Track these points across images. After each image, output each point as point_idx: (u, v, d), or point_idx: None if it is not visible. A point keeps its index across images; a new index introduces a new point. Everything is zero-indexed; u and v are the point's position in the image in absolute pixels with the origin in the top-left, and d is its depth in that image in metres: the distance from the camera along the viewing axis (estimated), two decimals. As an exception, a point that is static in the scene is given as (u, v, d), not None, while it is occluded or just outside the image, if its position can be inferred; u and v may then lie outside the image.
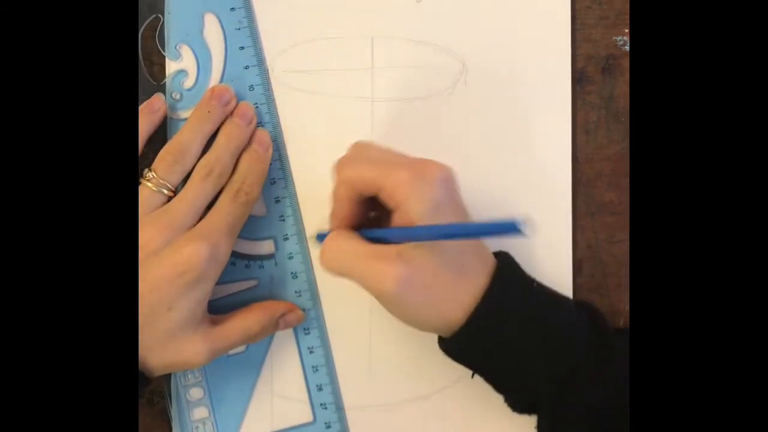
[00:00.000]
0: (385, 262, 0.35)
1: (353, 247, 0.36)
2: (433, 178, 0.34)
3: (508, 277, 0.37)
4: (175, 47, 0.42)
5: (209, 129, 0.40)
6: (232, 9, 0.42)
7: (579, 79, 0.43)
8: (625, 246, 0.42)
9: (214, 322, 0.39)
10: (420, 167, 0.35)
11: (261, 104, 0.42)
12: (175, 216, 0.37)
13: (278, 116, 0.42)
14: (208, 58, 0.42)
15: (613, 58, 0.43)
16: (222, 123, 0.40)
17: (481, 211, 0.42)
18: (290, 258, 0.42)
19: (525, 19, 0.42)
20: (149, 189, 0.38)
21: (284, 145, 0.42)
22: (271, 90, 0.42)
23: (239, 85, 0.42)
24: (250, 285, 0.42)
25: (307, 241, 0.42)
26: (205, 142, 0.40)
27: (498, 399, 0.39)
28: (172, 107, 0.42)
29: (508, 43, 0.42)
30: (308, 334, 0.43)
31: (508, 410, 0.39)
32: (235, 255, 0.42)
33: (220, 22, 0.42)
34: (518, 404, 0.38)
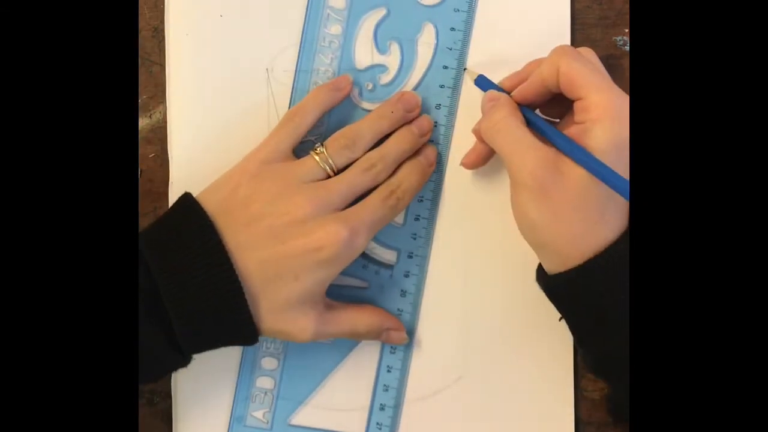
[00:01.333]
0: (540, 161, 0.35)
1: (518, 130, 0.36)
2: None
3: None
4: (387, 42, 0.43)
5: (386, 127, 0.41)
6: (452, 29, 0.42)
7: (579, 79, 0.43)
8: (625, 246, 0.42)
9: (329, 307, 0.40)
10: (629, 103, 0.34)
11: (441, 125, 0.42)
12: (329, 194, 0.38)
13: (452, 142, 0.42)
14: (412, 64, 0.43)
15: (613, 58, 0.43)
16: (399, 127, 0.41)
17: (482, 211, 0.42)
18: (406, 276, 0.43)
19: (525, 19, 0.42)
20: (315, 161, 0.39)
21: (445, 170, 0.42)
22: (455, 116, 0.42)
23: (429, 99, 0.42)
24: (361, 285, 0.43)
25: (427, 269, 0.43)
26: (378, 137, 0.40)
27: (498, 399, 0.39)
28: (360, 95, 0.43)
29: (508, 42, 0.42)
30: (393, 353, 0.43)
31: (507, 410, 0.39)
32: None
33: (437, 36, 0.42)
34: (593, 364, 0.38)
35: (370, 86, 0.43)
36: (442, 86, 0.42)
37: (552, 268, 0.36)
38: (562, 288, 0.36)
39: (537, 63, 0.39)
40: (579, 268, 0.35)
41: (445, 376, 0.43)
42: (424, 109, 0.42)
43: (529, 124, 0.37)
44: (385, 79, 0.43)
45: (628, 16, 0.43)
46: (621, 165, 0.34)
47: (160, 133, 0.43)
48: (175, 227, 0.37)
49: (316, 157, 0.39)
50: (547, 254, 0.37)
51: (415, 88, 0.42)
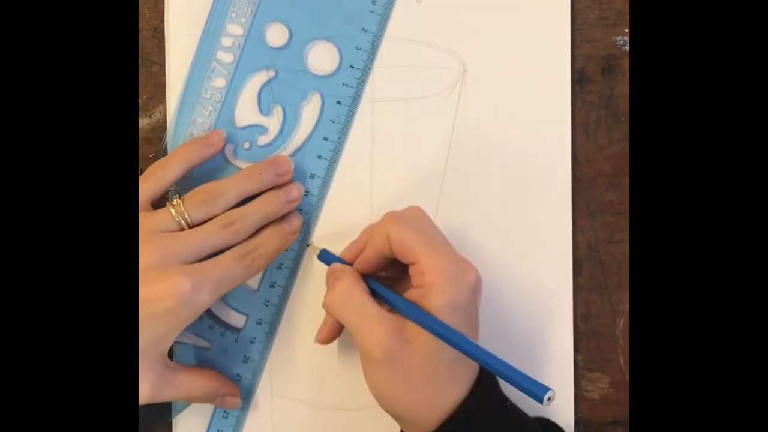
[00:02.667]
0: (385, 331, 0.35)
1: (361, 300, 0.37)
2: (467, 282, 0.35)
3: (489, 391, 0.37)
4: (271, 104, 0.42)
5: (252, 188, 0.40)
6: (338, 103, 0.42)
7: (579, 79, 0.43)
8: (625, 246, 0.42)
9: (167, 368, 0.38)
10: (461, 265, 0.36)
11: (312, 195, 0.42)
12: (179, 246, 0.37)
13: (321, 215, 0.42)
14: (293, 130, 0.42)
15: (613, 58, 0.43)
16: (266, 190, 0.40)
17: (480, 213, 0.42)
18: (251, 343, 0.42)
19: (525, 19, 0.42)
20: (169, 213, 0.38)
21: (309, 241, 0.42)
22: (327, 191, 0.42)
23: (303, 167, 0.42)
24: (203, 345, 0.42)
25: (273, 341, 0.42)
26: (242, 197, 0.39)
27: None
28: (235, 153, 0.42)
29: (508, 43, 0.42)
30: (226, 418, 0.42)
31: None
32: (207, 311, 0.41)
33: (323, 107, 0.42)
34: None
35: (247, 145, 0.42)
36: (319, 157, 0.42)
37: (410, 429, 0.36)
38: None
39: (370, 230, 0.39)
40: (441, 428, 0.35)
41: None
42: (297, 177, 0.42)
43: (373, 293, 0.38)
44: (264, 140, 0.42)
45: (628, 16, 0.43)
46: (459, 324, 0.35)
47: (160, 133, 0.43)
48: None
49: (172, 210, 0.38)
50: (406, 423, 0.36)
51: (292, 155, 0.42)
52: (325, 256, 0.41)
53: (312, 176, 0.42)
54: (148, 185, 0.39)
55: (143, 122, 0.43)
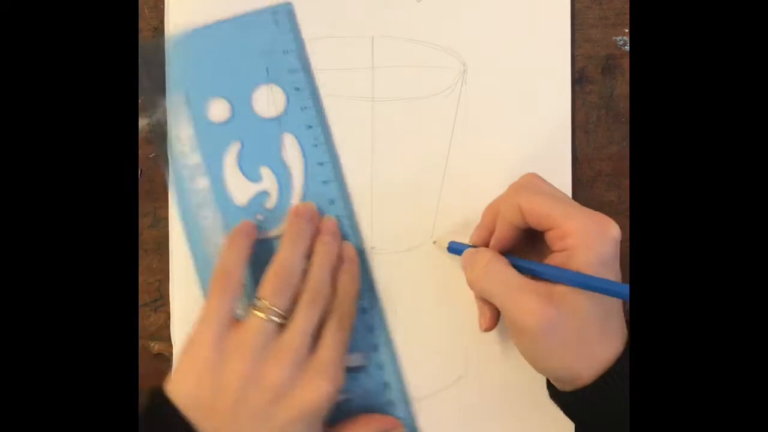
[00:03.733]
0: (535, 298, 0.35)
1: (506, 274, 0.36)
2: (611, 236, 0.35)
3: None
4: (256, 169, 0.42)
5: (305, 246, 0.40)
6: (309, 127, 0.42)
7: (579, 79, 0.43)
8: (625, 246, 0.42)
9: None
10: (600, 220, 0.35)
11: (342, 217, 0.42)
12: (294, 351, 0.37)
13: (359, 228, 0.43)
14: (288, 177, 0.43)
15: (613, 58, 0.43)
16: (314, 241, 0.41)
17: (481, 213, 0.42)
18: (380, 368, 0.43)
19: (525, 19, 0.42)
20: (260, 319, 0.38)
21: (368, 257, 0.42)
22: (352, 204, 0.43)
23: (320, 200, 0.42)
24: (345, 397, 0.42)
25: (396, 352, 0.43)
26: (304, 259, 0.40)
27: (498, 399, 0.38)
28: (258, 229, 0.42)
29: (508, 43, 0.42)
30: None
31: (507, 410, 0.39)
32: None
33: (298, 140, 0.42)
34: None
35: (261, 217, 0.42)
36: (325, 182, 0.42)
37: (565, 387, 0.37)
38: (577, 404, 0.37)
39: (494, 209, 0.39)
40: (592, 386, 0.35)
41: (445, 376, 0.43)
42: (321, 211, 0.42)
43: (514, 267, 0.37)
44: (271, 203, 0.42)
45: (628, 16, 0.43)
46: (611, 278, 0.35)
47: (161, 133, 0.43)
48: None
49: (260, 314, 0.38)
50: (560, 379, 0.37)
51: (304, 197, 0.42)
52: (456, 247, 0.41)
53: (331, 201, 0.42)
54: (224, 298, 0.38)
55: (143, 122, 0.43)
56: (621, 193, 0.43)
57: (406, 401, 0.43)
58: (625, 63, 0.43)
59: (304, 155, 0.42)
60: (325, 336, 0.39)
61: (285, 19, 0.42)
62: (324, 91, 0.43)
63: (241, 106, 0.42)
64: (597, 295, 0.34)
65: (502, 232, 0.38)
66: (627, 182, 0.43)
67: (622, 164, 0.43)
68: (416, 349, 0.43)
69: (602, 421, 0.36)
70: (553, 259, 0.36)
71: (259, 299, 0.38)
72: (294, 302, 0.39)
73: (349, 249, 0.42)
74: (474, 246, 0.40)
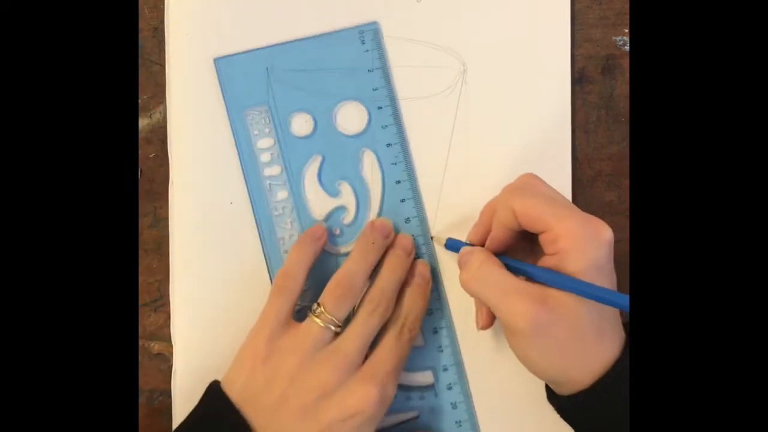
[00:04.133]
0: (527, 300, 0.34)
1: (499, 275, 0.36)
2: (604, 240, 0.34)
3: None
4: (335, 184, 0.43)
5: (373, 260, 0.40)
6: (389, 145, 0.42)
7: (579, 79, 0.43)
8: (625, 246, 0.42)
9: None
10: (593, 224, 0.35)
11: (417, 236, 0.42)
12: (347, 355, 0.37)
13: (436, 253, 0.43)
14: (367, 194, 0.43)
15: (613, 58, 0.43)
16: (384, 254, 0.41)
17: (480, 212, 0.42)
18: (449, 389, 0.42)
19: (525, 19, 0.42)
20: (316, 325, 0.38)
21: (440, 277, 0.42)
22: (427, 223, 0.43)
23: (396, 217, 0.42)
24: (411, 416, 0.43)
25: (465, 373, 0.42)
26: (369, 273, 0.40)
27: (499, 399, 0.38)
28: (334, 242, 0.42)
29: (508, 43, 0.42)
30: None
31: (507, 410, 0.39)
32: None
33: (378, 158, 0.42)
34: None
35: (338, 231, 0.43)
36: (402, 200, 0.42)
37: (562, 391, 0.37)
38: (572, 409, 0.37)
39: (491, 208, 0.39)
40: (589, 390, 0.35)
41: (445, 375, 0.43)
42: (396, 229, 0.42)
43: (508, 268, 0.37)
44: (348, 218, 0.43)
45: (628, 16, 0.43)
46: (604, 283, 0.34)
47: (160, 133, 0.43)
48: (209, 426, 0.38)
49: (318, 320, 0.38)
50: (555, 382, 0.37)
51: (380, 213, 0.42)
52: (453, 244, 0.40)
53: (407, 220, 0.42)
54: (282, 300, 0.39)
55: (143, 122, 0.43)
56: (621, 193, 0.43)
57: (471, 420, 0.42)
58: (625, 63, 0.43)
59: (383, 173, 0.43)
60: (382, 344, 0.39)
61: (371, 37, 0.42)
62: (324, 92, 0.43)
63: (324, 121, 0.43)
64: (585, 300, 0.34)
65: (497, 233, 0.38)
66: (627, 182, 0.43)
67: (622, 164, 0.43)
68: (414, 349, 0.43)
69: (599, 425, 0.36)
70: (546, 262, 0.36)
71: (319, 306, 0.38)
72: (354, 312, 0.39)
73: (423, 267, 0.41)
74: (470, 244, 0.40)
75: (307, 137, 0.43)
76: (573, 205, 0.37)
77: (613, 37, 0.43)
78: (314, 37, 0.43)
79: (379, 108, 0.42)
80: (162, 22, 0.43)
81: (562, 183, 0.42)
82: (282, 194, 0.43)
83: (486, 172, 0.42)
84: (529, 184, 0.38)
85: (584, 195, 0.43)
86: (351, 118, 0.43)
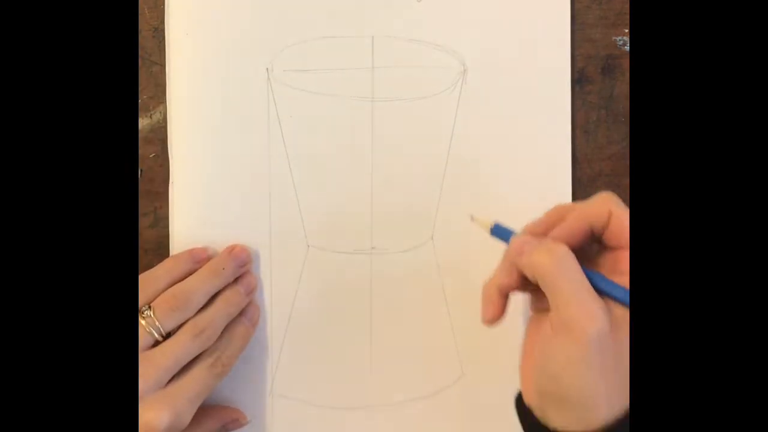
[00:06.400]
0: (603, 306, 0.32)
1: (580, 272, 0.33)
2: None
3: None
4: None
5: (219, 284, 0.40)
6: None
7: (579, 79, 0.43)
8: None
9: None
10: None
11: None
12: (157, 369, 0.37)
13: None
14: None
15: (613, 58, 0.43)
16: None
17: (481, 213, 0.42)
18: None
19: (525, 19, 0.42)
20: (141, 326, 0.37)
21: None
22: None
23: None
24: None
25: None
26: (210, 296, 0.40)
27: (498, 399, 0.38)
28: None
29: (508, 43, 0.43)
30: None
31: (507, 410, 0.39)
32: None
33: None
34: None
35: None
36: None
37: (566, 424, 0.32)
38: None
39: (564, 209, 0.36)
40: (611, 428, 0.31)
41: (445, 376, 0.43)
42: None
43: None
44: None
45: (628, 16, 0.43)
46: None
47: (160, 133, 0.43)
48: None
49: (142, 322, 0.37)
50: (570, 410, 0.32)
51: None
52: (501, 231, 0.37)
53: None
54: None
55: (143, 122, 0.43)
56: (621, 193, 0.43)
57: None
58: (625, 63, 0.43)
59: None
60: (192, 371, 0.38)
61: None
62: (324, 92, 0.43)
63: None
64: None
65: (575, 228, 0.35)
66: (627, 182, 0.43)
67: (622, 164, 0.43)
68: (415, 349, 0.43)
69: None
70: (620, 279, 0.34)
71: (150, 309, 0.38)
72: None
73: (255, 311, 0.42)
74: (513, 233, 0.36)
75: (307, 137, 0.43)
76: None
77: (613, 37, 0.43)
78: (314, 37, 0.43)
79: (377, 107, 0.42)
80: (162, 22, 0.43)
81: (562, 183, 0.42)
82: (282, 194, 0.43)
83: (486, 172, 0.42)
84: (605, 197, 0.35)
85: (584, 195, 0.43)
86: (351, 117, 0.43)
